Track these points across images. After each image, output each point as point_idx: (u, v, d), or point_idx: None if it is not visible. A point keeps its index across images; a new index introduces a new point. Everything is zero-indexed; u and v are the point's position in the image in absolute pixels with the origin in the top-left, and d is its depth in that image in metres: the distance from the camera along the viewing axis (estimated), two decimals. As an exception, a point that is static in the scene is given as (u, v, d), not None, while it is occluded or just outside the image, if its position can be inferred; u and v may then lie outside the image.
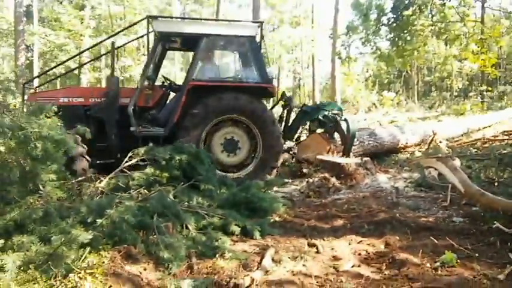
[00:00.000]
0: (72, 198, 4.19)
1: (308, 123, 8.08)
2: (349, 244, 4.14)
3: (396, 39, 15.17)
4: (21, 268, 2.89)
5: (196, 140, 6.50)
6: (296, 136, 8.15)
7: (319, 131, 7.87)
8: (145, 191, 4.78)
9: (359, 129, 9.38)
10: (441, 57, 23.19)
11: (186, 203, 4.60)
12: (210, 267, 3.41)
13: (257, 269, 3.45)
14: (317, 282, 3.31)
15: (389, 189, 6.34)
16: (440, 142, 9.63)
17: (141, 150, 5.35)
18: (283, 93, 8.20)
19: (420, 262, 3.54)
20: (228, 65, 8.19)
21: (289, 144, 8.12)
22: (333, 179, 6.61)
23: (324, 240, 4.25)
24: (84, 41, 21.99)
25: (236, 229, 4.23)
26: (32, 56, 22.87)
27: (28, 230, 3.31)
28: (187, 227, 4.00)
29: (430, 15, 17.63)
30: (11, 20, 22.78)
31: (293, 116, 8.04)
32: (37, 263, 2.95)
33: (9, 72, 22.34)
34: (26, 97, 6.94)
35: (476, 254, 3.63)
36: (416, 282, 3.15)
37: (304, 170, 7.26)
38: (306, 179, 6.86)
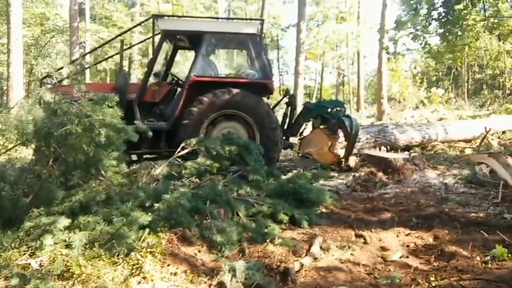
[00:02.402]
0: (130, 184, 4.42)
1: (311, 119, 8.15)
2: (397, 236, 4.16)
3: (447, 34, 14.74)
4: (87, 246, 3.10)
5: (196, 133, 6.62)
6: (299, 132, 8.24)
7: (322, 127, 7.91)
8: (197, 179, 4.99)
9: (370, 125, 9.21)
10: (493, 54, 22.31)
11: (236, 192, 4.76)
12: (260, 251, 3.54)
13: (306, 255, 3.55)
14: (365, 270, 3.38)
15: (438, 185, 6.25)
16: (492, 139, 9.36)
17: (193, 141, 5.57)
18: (287, 91, 8.33)
19: (470, 255, 3.53)
20: (229, 61, 8.40)
21: (292, 140, 8.28)
22: (380, 174, 6.60)
23: (371, 231, 4.29)
24: (134, 37, 22.68)
25: (284, 218, 4.34)
26: (84, 52, 23.83)
27: (92, 211, 3.56)
28: (237, 214, 4.16)
29: (482, 10, 17.02)
30: (65, 17, 23.79)
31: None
32: (101, 241, 3.15)
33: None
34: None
35: (529, 250, 3.58)
36: (466, 274, 3.15)
37: (351, 164, 7.28)
38: (352, 173, 6.88)
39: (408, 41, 21.99)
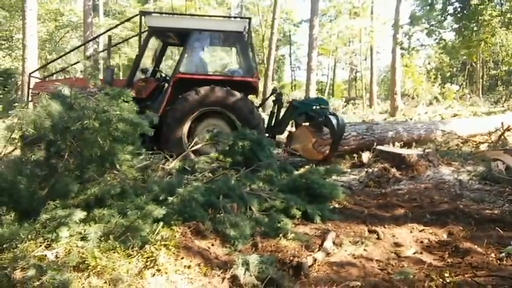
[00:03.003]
0: (144, 177, 4.46)
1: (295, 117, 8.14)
2: (411, 232, 4.14)
3: (462, 29, 14.51)
4: (102, 238, 3.13)
5: (179, 130, 6.69)
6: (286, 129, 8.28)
7: (306, 124, 7.89)
8: (210, 174, 5.02)
9: (359, 123, 9.28)
10: (509, 50, 21.98)
11: (249, 187, 4.77)
12: (273, 246, 3.56)
13: (319, 250, 3.56)
14: (378, 265, 3.37)
15: (452, 182, 6.20)
16: (508, 136, 9.24)
17: (207, 136, 5.60)
18: (274, 89, 8.34)
19: (484, 252, 3.51)
20: (215, 59, 8.42)
21: (279, 138, 8.36)
22: (393, 170, 6.55)
23: (384, 227, 4.28)
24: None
25: (297, 213, 4.35)
26: (98, 48, 24.06)
27: (107, 204, 3.60)
28: (250, 208, 4.17)
29: (499, 5, 16.75)
30: (79, 12, 23.99)
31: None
32: (116, 234, 3.18)
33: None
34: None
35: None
36: (481, 270, 3.13)
37: (364, 160, 7.24)
38: (365, 169, 6.85)
39: (422, 37, 21.77)
